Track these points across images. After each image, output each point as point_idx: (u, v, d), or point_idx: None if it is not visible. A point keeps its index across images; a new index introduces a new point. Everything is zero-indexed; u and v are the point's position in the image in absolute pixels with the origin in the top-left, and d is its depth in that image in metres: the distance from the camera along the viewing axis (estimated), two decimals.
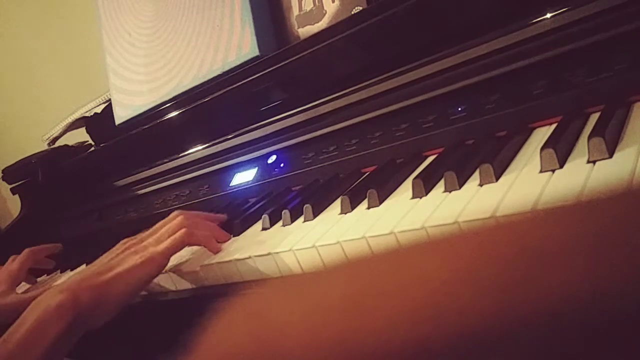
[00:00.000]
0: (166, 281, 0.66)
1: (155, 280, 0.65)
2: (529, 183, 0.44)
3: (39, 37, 1.77)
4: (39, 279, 1.02)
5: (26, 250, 0.94)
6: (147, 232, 0.64)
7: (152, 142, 1.02)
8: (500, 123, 0.59)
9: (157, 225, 0.65)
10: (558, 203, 0.38)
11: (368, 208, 0.56)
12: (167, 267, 0.65)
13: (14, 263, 0.91)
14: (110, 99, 1.13)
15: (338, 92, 0.72)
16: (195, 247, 0.68)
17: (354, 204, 0.58)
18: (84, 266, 0.92)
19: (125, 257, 0.59)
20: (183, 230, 0.62)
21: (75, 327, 0.53)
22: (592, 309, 0.16)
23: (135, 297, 0.59)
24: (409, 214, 0.48)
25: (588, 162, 0.43)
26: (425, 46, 0.63)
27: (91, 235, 1.21)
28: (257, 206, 0.74)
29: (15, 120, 2.04)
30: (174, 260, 0.67)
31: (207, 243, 0.64)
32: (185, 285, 0.64)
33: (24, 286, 0.95)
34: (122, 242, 0.64)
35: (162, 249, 0.60)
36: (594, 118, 0.52)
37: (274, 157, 0.83)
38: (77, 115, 1.22)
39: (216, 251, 0.64)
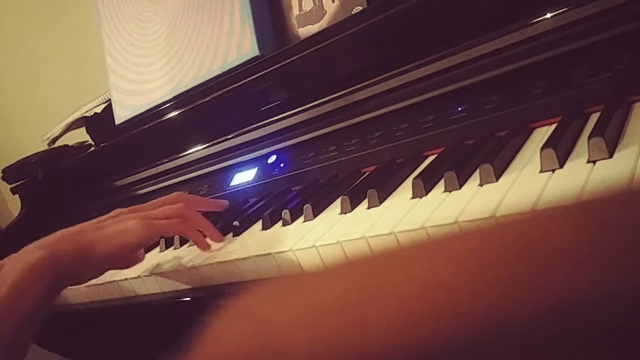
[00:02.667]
0: (166, 280, 0.66)
1: (156, 279, 0.65)
2: (529, 183, 0.44)
3: (39, 37, 1.77)
4: None
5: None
6: (141, 205, 0.63)
7: (152, 142, 1.02)
8: (500, 123, 0.59)
9: (156, 201, 0.63)
10: (558, 203, 0.38)
11: (368, 208, 0.56)
12: (167, 268, 0.65)
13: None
14: (110, 99, 1.13)
15: (338, 92, 0.72)
16: (194, 247, 0.68)
17: (354, 204, 0.58)
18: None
19: (114, 221, 0.57)
20: (177, 219, 0.60)
21: (56, 284, 0.52)
22: (592, 308, 0.16)
23: (118, 261, 0.57)
24: (409, 214, 0.48)
25: (588, 162, 0.43)
26: (425, 46, 0.63)
27: None
28: (257, 206, 0.74)
29: (15, 120, 2.04)
30: (174, 260, 0.67)
31: (197, 239, 0.63)
32: (185, 285, 0.64)
33: None
34: (114, 211, 0.62)
35: (153, 224, 0.58)
36: (594, 118, 0.52)
37: (274, 157, 0.83)
38: (77, 115, 1.22)
39: (206, 250, 0.63)
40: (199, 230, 0.65)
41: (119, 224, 0.57)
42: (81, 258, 0.53)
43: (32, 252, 0.52)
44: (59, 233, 0.56)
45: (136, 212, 0.61)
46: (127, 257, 0.59)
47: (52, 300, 0.52)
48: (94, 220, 0.59)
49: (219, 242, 0.66)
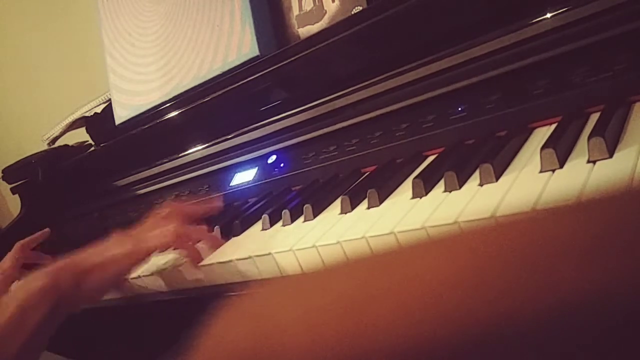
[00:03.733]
0: (166, 280, 0.66)
1: (156, 279, 0.65)
2: (529, 183, 0.44)
3: (39, 37, 1.77)
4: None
5: (16, 245, 0.94)
6: (137, 229, 0.65)
7: (152, 142, 1.02)
8: (500, 123, 0.59)
9: (149, 223, 0.65)
10: (558, 203, 0.38)
11: (368, 208, 0.56)
12: (167, 268, 0.65)
13: (6, 261, 0.90)
14: (110, 99, 1.13)
15: (338, 92, 0.72)
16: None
17: (354, 204, 0.58)
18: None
19: (109, 247, 0.61)
20: (171, 237, 0.62)
21: (58, 310, 0.55)
22: (592, 308, 0.16)
23: (116, 285, 0.62)
24: (409, 214, 0.48)
25: (588, 162, 0.43)
26: (425, 46, 0.63)
27: (91, 235, 1.20)
28: (257, 206, 0.74)
29: (15, 120, 2.04)
30: (174, 260, 0.67)
31: (190, 255, 0.64)
32: (185, 284, 0.64)
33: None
34: (114, 234, 0.65)
35: (146, 246, 0.61)
36: (594, 118, 0.52)
37: (274, 157, 0.83)
38: (77, 115, 1.22)
39: (196, 263, 0.63)
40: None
41: (115, 249, 0.61)
42: (77, 287, 0.58)
43: (37, 279, 0.56)
44: (64, 259, 0.60)
45: (131, 235, 0.64)
46: (120, 284, 0.65)
47: (55, 323, 0.56)
48: (95, 246, 0.63)
49: (219, 246, 0.66)
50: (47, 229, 1.04)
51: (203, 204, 0.74)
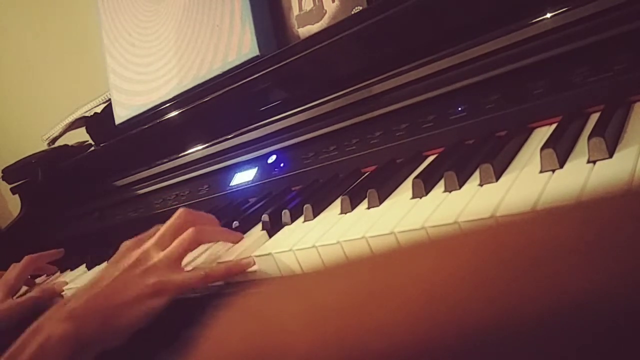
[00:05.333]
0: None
1: None
2: (529, 183, 0.44)
3: (39, 37, 1.77)
4: (37, 280, 1.01)
5: (26, 258, 0.92)
6: (152, 239, 0.60)
7: (152, 142, 1.02)
8: (500, 123, 0.59)
9: (164, 230, 0.60)
10: (558, 203, 0.38)
11: (368, 208, 0.56)
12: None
13: (12, 271, 0.89)
14: (110, 99, 1.13)
15: (338, 92, 0.72)
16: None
17: (354, 204, 0.58)
18: (83, 266, 0.92)
19: (134, 278, 0.55)
20: (197, 277, 0.57)
21: (82, 354, 0.52)
22: (592, 308, 0.16)
23: (146, 323, 0.55)
24: (409, 214, 0.48)
25: (588, 162, 0.43)
26: (425, 46, 0.63)
27: (91, 235, 1.21)
28: (257, 206, 0.74)
29: (15, 120, 2.04)
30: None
31: (225, 239, 0.62)
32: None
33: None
34: (124, 245, 0.61)
35: (177, 283, 0.55)
36: (594, 118, 0.52)
37: (274, 157, 0.83)
38: (77, 115, 1.22)
39: (237, 240, 0.62)
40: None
41: (142, 283, 0.55)
42: (106, 328, 0.53)
43: (59, 323, 0.51)
44: (84, 298, 0.54)
45: (148, 252, 0.58)
46: (153, 319, 0.57)
47: None
48: (111, 269, 0.57)
49: (239, 240, 0.64)
50: (61, 249, 1.02)
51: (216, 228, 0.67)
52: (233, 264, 0.57)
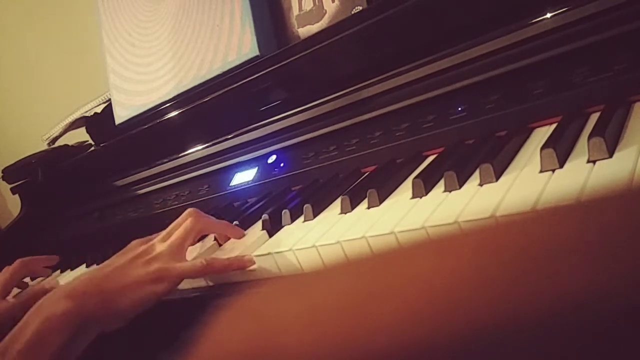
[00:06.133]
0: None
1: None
2: (529, 183, 0.44)
3: (39, 37, 1.77)
4: (34, 282, 1.01)
5: (17, 261, 0.91)
6: (160, 236, 0.62)
7: (152, 142, 1.02)
8: (500, 123, 0.59)
9: (171, 227, 0.62)
10: (558, 203, 0.38)
11: (368, 208, 0.56)
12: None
13: (4, 273, 0.88)
14: (110, 99, 1.13)
15: (338, 92, 0.72)
16: (193, 247, 0.68)
17: (354, 204, 0.58)
18: (83, 266, 0.92)
19: (137, 266, 0.56)
20: (199, 265, 0.57)
21: (83, 334, 0.51)
22: (593, 308, 0.16)
23: (145, 309, 0.56)
24: (409, 214, 0.48)
25: (588, 162, 0.43)
26: (425, 46, 0.63)
27: (91, 235, 1.21)
28: (257, 206, 0.74)
29: (15, 120, 2.04)
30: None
31: (230, 236, 0.63)
32: (185, 284, 0.64)
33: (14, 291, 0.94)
34: (134, 242, 0.62)
35: (178, 270, 0.57)
36: (594, 118, 0.52)
37: (274, 157, 0.83)
38: (77, 115, 1.22)
39: (238, 234, 0.64)
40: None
41: (144, 271, 0.56)
42: (107, 309, 0.53)
43: (59, 301, 0.51)
44: (88, 278, 0.55)
45: (154, 246, 0.60)
46: (154, 304, 0.58)
47: (80, 345, 0.52)
48: (118, 258, 0.58)
49: (241, 236, 0.65)
50: (55, 256, 1.01)
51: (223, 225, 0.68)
52: (234, 258, 0.58)
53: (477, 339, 0.17)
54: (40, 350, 0.49)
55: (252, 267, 0.57)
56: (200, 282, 0.62)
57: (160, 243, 0.60)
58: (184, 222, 0.62)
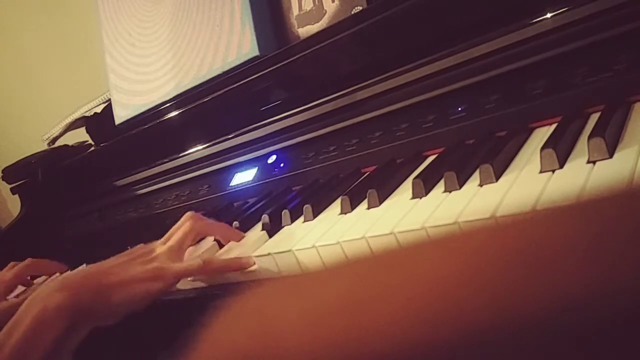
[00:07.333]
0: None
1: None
2: (529, 183, 0.44)
3: (39, 37, 1.77)
4: (35, 281, 1.01)
5: (28, 260, 0.91)
6: (161, 240, 0.62)
7: (152, 142, 1.02)
8: (500, 123, 0.59)
9: (171, 230, 0.63)
10: (558, 203, 0.38)
11: (368, 208, 0.56)
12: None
13: (10, 271, 0.88)
14: (110, 99, 1.13)
15: (338, 92, 0.72)
16: (193, 247, 0.68)
17: (354, 204, 0.58)
18: (83, 266, 0.91)
19: (135, 264, 0.56)
20: (198, 265, 0.58)
21: (77, 327, 0.51)
22: (592, 308, 0.16)
23: (141, 307, 0.56)
24: (409, 214, 0.48)
25: (588, 162, 0.43)
26: (425, 46, 0.63)
27: (91, 235, 1.21)
28: (257, 206, 0.74)
29: (15, 120, 2.04)
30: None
31: (230, 238, 0.64)
32: (185, 284, 0.64)
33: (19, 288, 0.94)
34: (137, 246, 0.62)
35: (174, 270, 0.57)
36: (594, 118, 0.52)
37: (274, 157, 0.83)
38: (77, 115, 1.22)
39: (237, 237, 0.64)
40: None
41: (140, 268, 0.56)
42: (102, 303, 0.52)
43: (54, 293, 0.51)
44: (84, 271, 0.55)
45: (155, 249, 0.60)
46: (149, 303, 0.57)
47: (75, 339, 0.51)
48: (117, 258, 0.58)
49: (241, 239, 0.66)
50: (64, 266, 0.98)
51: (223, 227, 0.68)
52: (232, 259, 0.58)
53: (477, 339, 0.17)
54: (35, 343, 0.49)
55: (252, 268, 0.57)
56: (201, 283, 0.62)
57: (159, 245, 0.61)
58: (183, 224, 0.63)
